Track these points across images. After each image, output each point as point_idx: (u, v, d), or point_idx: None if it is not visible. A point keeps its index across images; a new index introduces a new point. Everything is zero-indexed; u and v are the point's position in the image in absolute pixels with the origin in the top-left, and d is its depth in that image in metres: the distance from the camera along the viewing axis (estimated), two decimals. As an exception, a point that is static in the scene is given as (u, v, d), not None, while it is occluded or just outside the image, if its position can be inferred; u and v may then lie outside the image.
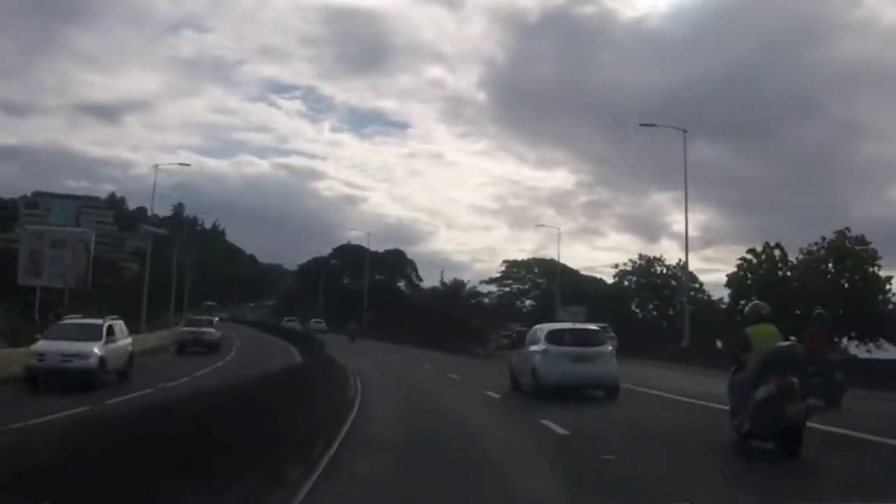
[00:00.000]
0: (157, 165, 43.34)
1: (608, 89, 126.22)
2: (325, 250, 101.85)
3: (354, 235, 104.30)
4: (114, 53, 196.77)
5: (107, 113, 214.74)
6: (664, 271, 58.28)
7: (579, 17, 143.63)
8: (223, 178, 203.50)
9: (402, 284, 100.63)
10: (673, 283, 55.54)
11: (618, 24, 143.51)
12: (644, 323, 57.61)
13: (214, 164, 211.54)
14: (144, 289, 43.63)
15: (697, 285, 57.40)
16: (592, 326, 21.85)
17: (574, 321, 51.88)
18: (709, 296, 56.70)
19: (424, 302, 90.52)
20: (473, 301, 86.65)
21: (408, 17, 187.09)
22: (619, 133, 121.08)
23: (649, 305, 59.68)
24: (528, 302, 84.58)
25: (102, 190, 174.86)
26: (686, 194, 37.81)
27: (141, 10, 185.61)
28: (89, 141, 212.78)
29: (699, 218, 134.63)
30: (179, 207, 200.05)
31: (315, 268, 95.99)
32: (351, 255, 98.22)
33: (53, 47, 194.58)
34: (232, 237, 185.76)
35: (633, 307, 60.69)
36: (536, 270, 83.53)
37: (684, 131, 36.97)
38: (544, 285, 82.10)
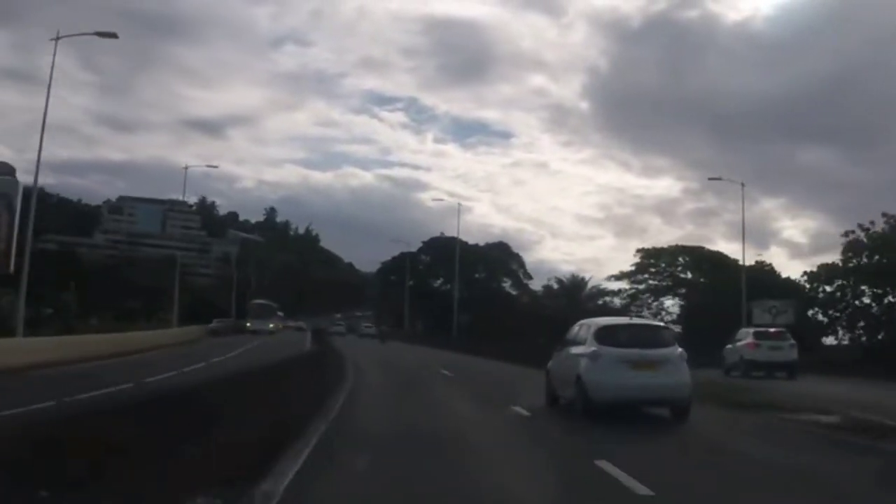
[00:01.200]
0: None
1: (713, 94, 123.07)
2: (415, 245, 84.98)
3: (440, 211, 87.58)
4: (217, 69, 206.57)
5: (212, 128, 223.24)
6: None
7: (682, 22, 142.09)
8: (328, 191, 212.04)
9: (507, 284, 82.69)
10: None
11: (721, 27, 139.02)
12: (880, 321, 37.69)
13: (319, 177, 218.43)
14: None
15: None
16: (656, 322, 17.24)
17: (774, 322, 34.62)
18: None
19: (534, 303, 73.72)
20: (599, 302, 68.12)
21: (508, 25, 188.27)
22: (724, 138, 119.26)
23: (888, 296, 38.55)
24: (668, 302, 65.32)
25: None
26: None
27: (243, 26, 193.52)
28: (195, 155, 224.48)
29: (809, 224, 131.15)
30: (271, 212, 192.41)
31: (401, 265, 79.49)
32: (444, 250, 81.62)
33: (158, 64, 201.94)
34: (335, 248, 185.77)
35: (867, 299, 40.02)
36: (682, 260, 63.98)
37: None
38: (693, 279, 62.83)
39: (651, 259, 64.66)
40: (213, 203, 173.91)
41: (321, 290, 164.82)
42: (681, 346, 13.41)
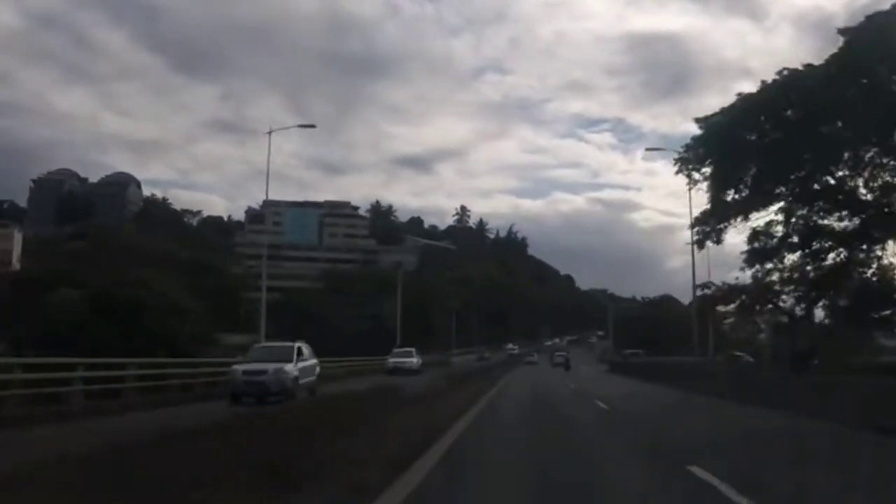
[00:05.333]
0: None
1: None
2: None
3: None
4: (421, 104, 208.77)
5: (420, 163, 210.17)
6: None
7: (891, 15, 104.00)
8: (539, 218, 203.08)
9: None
10: None
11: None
12: None
13: (530, 205, 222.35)
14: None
15: None
16: None
17: None
18: None
19: None
20: None
21: (710, 35, 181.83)
22: None
23: None
24: None
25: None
26: None
27: (442, 59, 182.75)
28: (406, 192, 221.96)
29: None
30: (462, 212, 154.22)
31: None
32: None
33: (364, 104, 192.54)
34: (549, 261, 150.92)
35: None
36: None
37: None
38: None
39: None
40: (390, 207, 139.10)
41: (535, 307, 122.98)
42: None
